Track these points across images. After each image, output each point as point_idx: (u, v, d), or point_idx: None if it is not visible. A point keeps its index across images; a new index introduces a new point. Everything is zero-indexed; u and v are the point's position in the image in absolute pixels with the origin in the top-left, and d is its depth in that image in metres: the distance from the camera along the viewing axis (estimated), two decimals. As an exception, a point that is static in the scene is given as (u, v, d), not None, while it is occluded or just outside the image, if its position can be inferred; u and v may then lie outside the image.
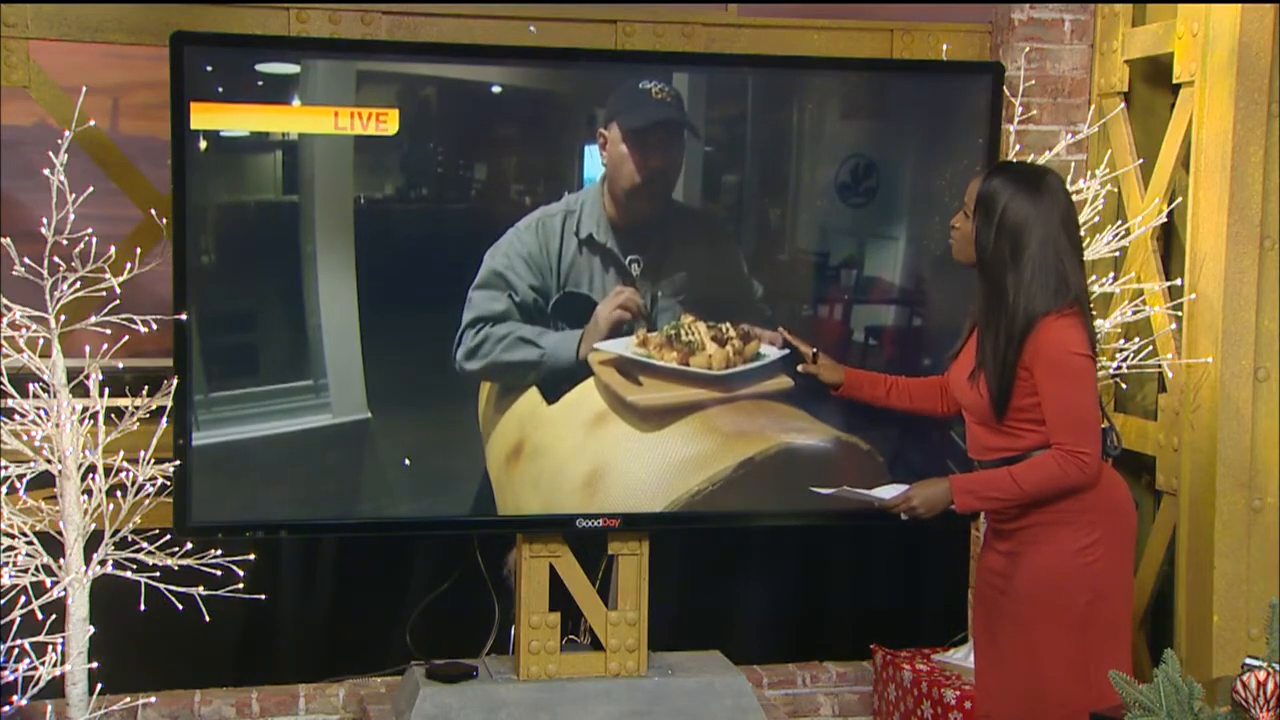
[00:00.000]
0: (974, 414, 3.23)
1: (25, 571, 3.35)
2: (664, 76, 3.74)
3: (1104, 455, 3.21)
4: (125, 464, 3.39)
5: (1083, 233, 4.04)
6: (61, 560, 3.37)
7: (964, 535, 4.39)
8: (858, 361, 3.91)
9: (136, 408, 3.42)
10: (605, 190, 3.72)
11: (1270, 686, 3.02)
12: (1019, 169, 3.24)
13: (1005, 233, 3.12)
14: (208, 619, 3.43)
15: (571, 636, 3.92)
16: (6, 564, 3.34)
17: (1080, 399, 3.11)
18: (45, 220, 3.29)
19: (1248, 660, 3.11)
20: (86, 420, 3.37)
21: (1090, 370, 3.13)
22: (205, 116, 3.51)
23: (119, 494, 3.41)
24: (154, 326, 3.37)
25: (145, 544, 3.42)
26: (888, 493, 3.30)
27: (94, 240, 3.31)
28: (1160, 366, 4.05)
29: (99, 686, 3.44)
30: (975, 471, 3.24)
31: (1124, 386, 4.23)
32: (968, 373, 3.22)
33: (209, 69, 3.52)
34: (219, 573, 3.44)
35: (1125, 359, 4.10)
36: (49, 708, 3.55)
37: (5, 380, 3.32)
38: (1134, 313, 4.11)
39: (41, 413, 3.35)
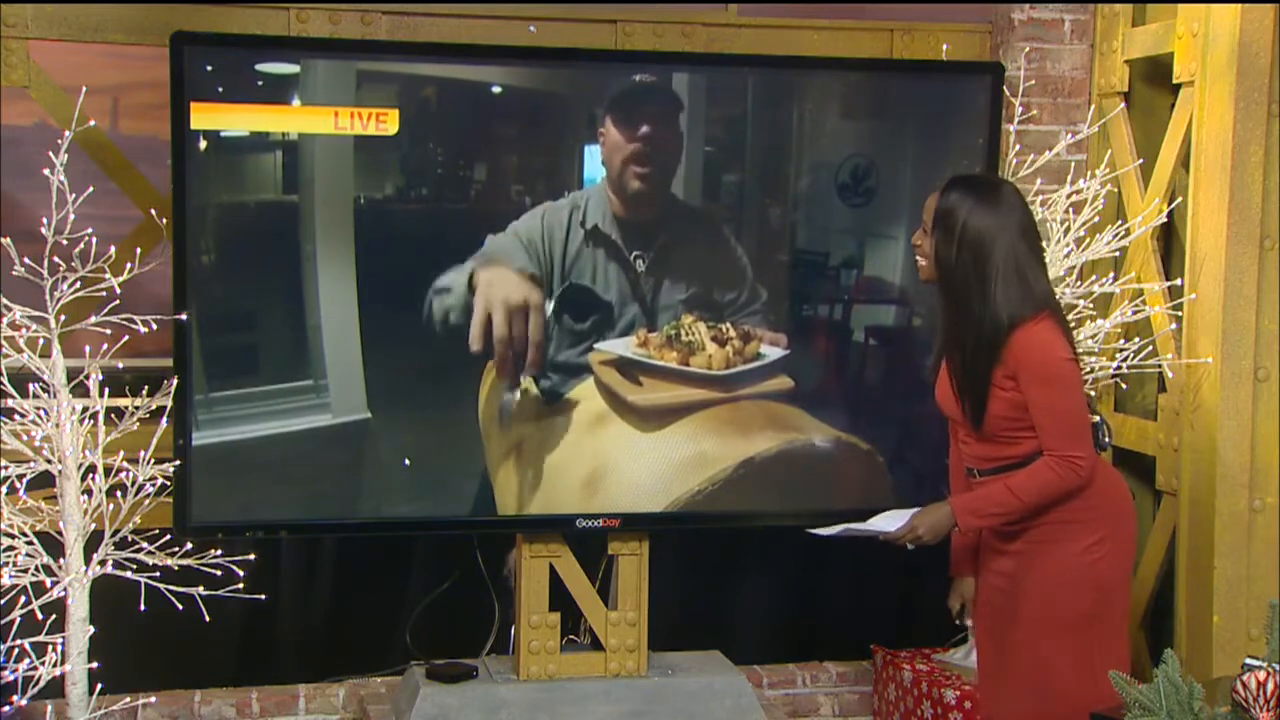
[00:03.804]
0: (963, 424, 3.24)
1: (25, 571, 3.35)
2: (664, 76, 3.74)
3: (1097, 448, 3.22)
4: (125, 464, 3.39)
5: (1083, 232, 4.07)
6: (61, 560, 3.37)
7: (964, 535, 4.39)
8: (858, 363, 3.93)
9: (136, 408, 3.42)
10: (608, 185, 3.72)
11: (1270, 686, 3.02)
12: (974, 180, 3.24)
13: (967, 245, 3.10)
14: (208, 619, 3.43)
15: (571, 636, 3.92)
16: (6, 564, 3.33)
17: (1069, 404, 3.12)
18: (45, 220, 3.29)
19: (1248, 660, 3.11)
20: (86, 420, 3.37)
21: (1076, 374, 3.14)
22: (205, 116, 3.51)
23: (119, 494, 3.41)
24: (154, 326, 3.36)
25: (145, 544, 3.42)
26: (889, 523, 3.30)
27: (94, 240, 3.31)
28: (1160, 366, 4.05)
29: (99, 686, 3.44)
30: (973, 490, 3.24)
31: (1124, 386, 4.23)
32: (950, 389, 3.23)
33: (209, 69, 3.52)
34: (219, 573, 3.44)
35: (1125, 359, 4.10)
36: (49, 708, 3.55)
37: (5, 380, 3.32)
38: (1134, 313, 4.11)
39: (41, 413, 3.35)
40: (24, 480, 3.33)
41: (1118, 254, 4.19)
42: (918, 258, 3.23)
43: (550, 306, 3.72)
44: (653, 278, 3.76)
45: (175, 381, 3.49)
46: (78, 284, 3.32)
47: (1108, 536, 3.19)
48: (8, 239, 3.31)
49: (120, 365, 3.38)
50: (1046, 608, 3.18)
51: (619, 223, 3.73)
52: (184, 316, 3.50)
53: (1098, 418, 3.28)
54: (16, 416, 3.35)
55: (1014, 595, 3.22)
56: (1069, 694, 3.17)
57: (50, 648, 3.32)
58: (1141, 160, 4.24)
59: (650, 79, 3.73)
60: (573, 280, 3.71)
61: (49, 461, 3.36)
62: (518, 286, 3.68)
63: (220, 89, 3.53)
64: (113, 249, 3.37)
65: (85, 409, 3.37)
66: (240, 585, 3.44)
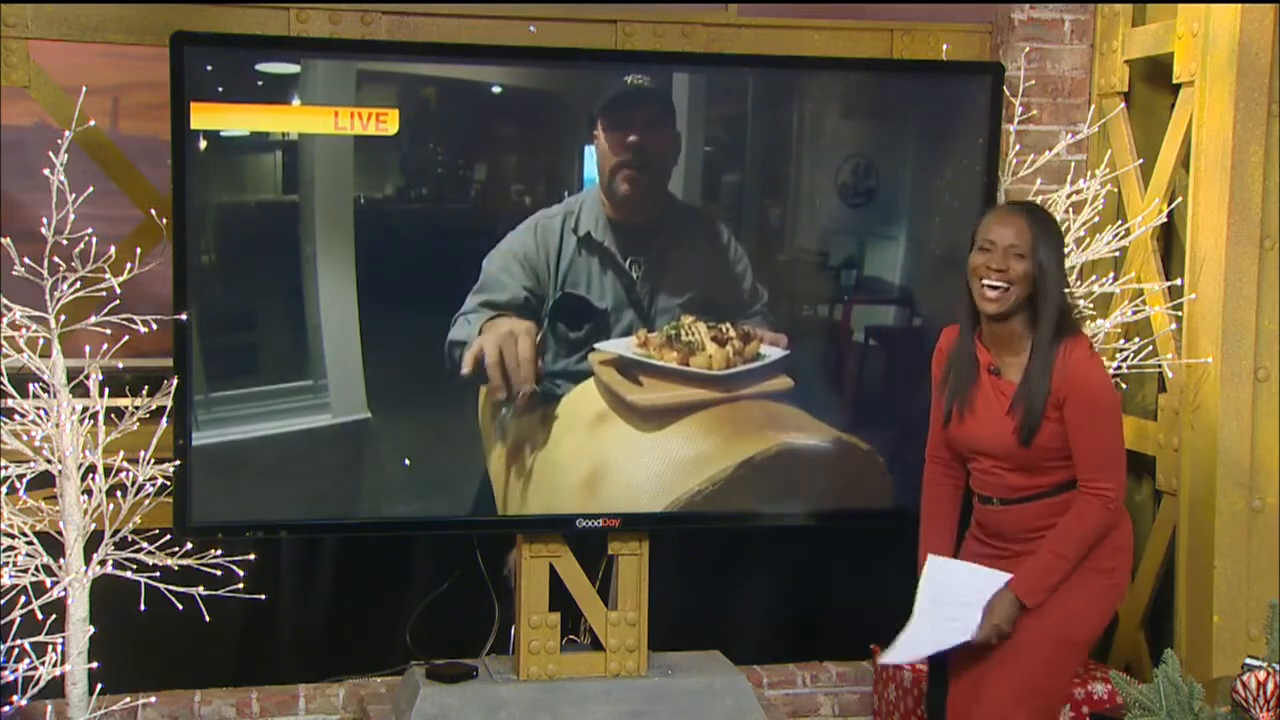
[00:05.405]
0: (1005, 457, 3.22)
1: (25, 571, 3.35)
2: (664, 76, 3.74)
3: None
4: (125, 464, 3.39)
5: (1083, 232, 4.09)
6: (61, 560, 3.37)
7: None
8: (858, 363, 3.92)
9: (136, 408, 3.42)
10: (601, 189, 3.72)
11: (1270, 686, 3.02)
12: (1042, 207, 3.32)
13: (1061, 269, 3.18)
14: (208, 619, 3.43)
15: (571, 636, 3.92)
16: (6, 564, 3.34)
17: (1112, 433, 3.16)
18: (45, 220, 3.29)
19: (1248, 660, 3.11)
20: (86, 420, 3.38)
21: (1120, 404, 3.21)
22: (205, 116, 3.51)
23: (119, 494, 3.42)
24: (154, 326, 3.37)
25: (145, 544, 3.42)
26: (964, 631, 3.23)
27: (94, 240, 3.31)
28: (1160, 366, 4.05)
29: (99, 686, 3.44)
30: (1024, 567, 3.19)
31: (1124, 386, 4.22)
32: (999, 413, 3.19)
33: (209, 69, 3.51)
34: (219, 573, 3.44)
35: (1125, 359, 4.10)
36: (49, 708, 3.56)
37: (5, 380, 3.32)
38: (1134, 313, 4.11)
39: (41, 413, 3.35)
40: (24, 480, 3.34)
41: (1118, 254, 4.19)
42: (996, 288, 3.14)
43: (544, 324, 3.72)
44: (649, 282, 3.76)
45: (175, 381, 3.49)
46: (78, 284, 3.32)
47: (1119, 567, 3.26)
48: (8, 239, 3.31)
49: (120, 365, 3.39)
50: (1066, 628, 3.20)
51: (614, 227, 3.72)
52: (184, 316, 3.50)
53: None
54: (16, 416, 3.36)
55: (1028, 615, 3.20)
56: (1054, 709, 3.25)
57: (50, 648, 3.33)
58: (1141, 160, 4.24)
59: (642, 81, 3.71)
60: (567, 289, 3.71)
61: (49, 461, 3.36)
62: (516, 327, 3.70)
63: (220, 89, 3.53)
64: (113, 249, 3.37)
65: (85, 409, 3.37)
66: (240, 585, 3.44)
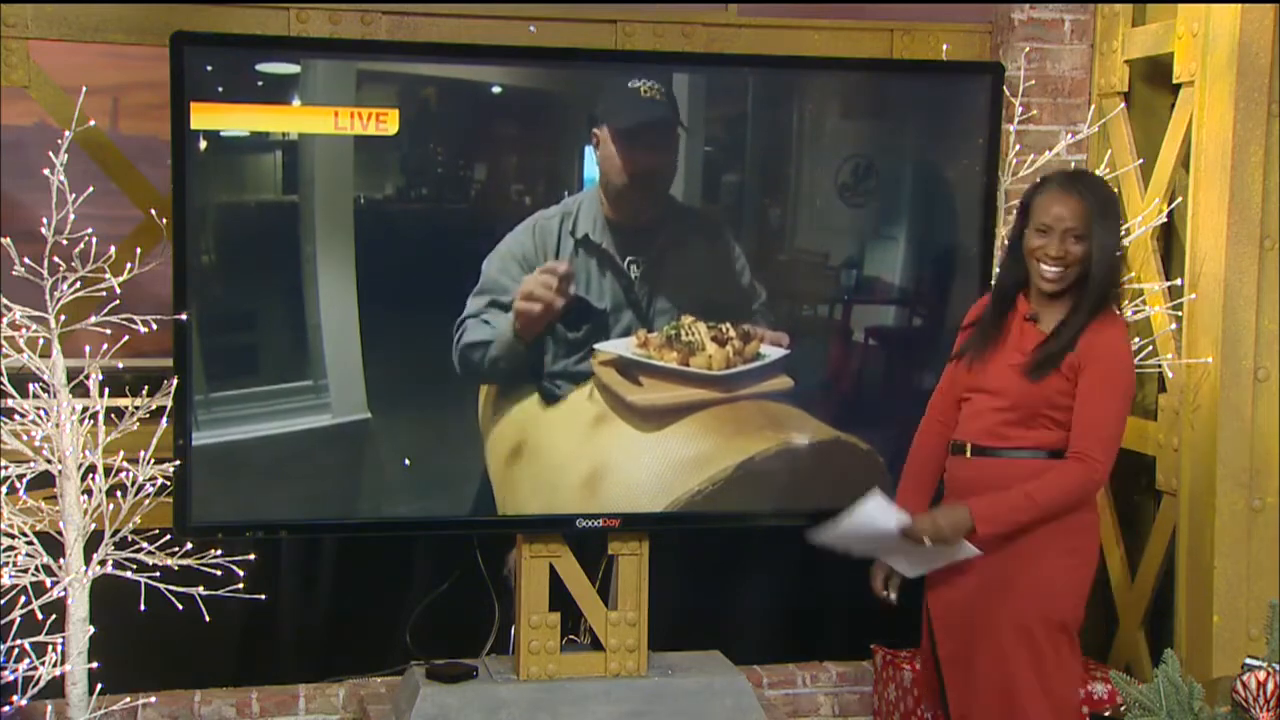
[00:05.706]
0: (1003, 393, 3.22)
1: (25, 571, 3.35)
2: (664, 76, 3.73)
3: None
4: (125, 464, 3.39)
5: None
6: (61, 560, 3.37)
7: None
8: (858, 363, 3.93)
9: (136, 408, 3.42)
10: (601, 191, 3.72)
11: (1270, 686, 3.03)
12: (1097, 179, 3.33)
13: (1115, 246, 3.19)
14: (208, 619, 3.43)
15: (571, 636, 3.92)
16: (6, 564, 3.34)
17: (1118, 416, 3.17)
18: (45, 220, 3.29)
19: (1248, 660, 3.12)
20: (86, 420, 3.38)
21: (1134, 391, 3.22)
22: (205, 116, 3.51)
23: (119, 494, 3.42)
24: (154, 326, 3.37)
25: (145, 544, 3.42)
26: (894, 514, 3.24)
27: (94, 240, 3.31)
28: (1160, 366, 4.05)
29: (99, 686, 3.44)
30: (993, 496, 3.18)
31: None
32: (1018, 350, 3.21)
33: (209, 69, 3.51)
34: (219, 573, 3.44)
35: (1125, 359, 4.11)
36: (49, 708, 3.55)
37: (5, 380, 3.32)
38: (1134, 313, 4.11)
39: (41, 413, 3.35)
40: (24, 480, 3.34)
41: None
42: (1055, 268, 3.17)
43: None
44: (648, 283, 3.76)
45: (175, 381, 3.49)
46: (78, 284, 3.32)
47: (1084, 548, 3.24)
48: (8, 239, 3.31)
49: (120, 365, 3.39)
50: (1040, 606, 3.18)
51: (613, 228, 3.72)
52: (184, 316, 3.50)
53: None
54: (16, 416, 3.36)
55: (999, 594, 3.20)
56: (1058, 693, 3.22)
57: (50, 648, 3.33)
58: (1141, 160, 4.24)
59: (653, 92, 3.70)
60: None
61: (49, 461, 3.36)
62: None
63: (220, 89, 3.53)
64: (113, 249, 3.37)
65: (85, 409, 3.37)
66: (240, 585, 3.45)
